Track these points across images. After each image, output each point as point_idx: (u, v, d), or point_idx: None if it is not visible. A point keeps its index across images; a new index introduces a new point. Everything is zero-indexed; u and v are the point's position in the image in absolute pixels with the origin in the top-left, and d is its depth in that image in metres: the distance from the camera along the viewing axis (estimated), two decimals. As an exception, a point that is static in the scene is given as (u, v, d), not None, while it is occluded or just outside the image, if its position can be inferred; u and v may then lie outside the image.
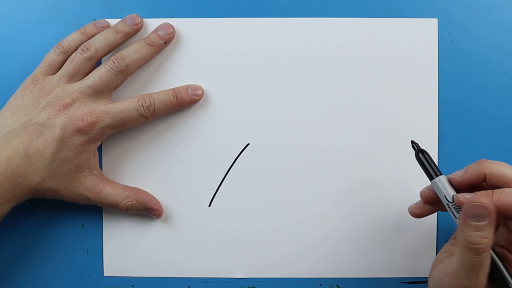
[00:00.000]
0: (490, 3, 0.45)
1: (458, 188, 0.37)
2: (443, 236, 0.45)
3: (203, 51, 0.45)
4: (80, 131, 0.41)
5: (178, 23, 0.45)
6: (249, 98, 0.45)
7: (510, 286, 0.34)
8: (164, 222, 0.45)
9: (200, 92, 0.44)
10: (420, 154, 0.39)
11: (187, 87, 0.44)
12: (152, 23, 0.45)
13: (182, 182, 0.45)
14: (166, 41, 0.44)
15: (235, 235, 0.45)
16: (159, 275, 0.46)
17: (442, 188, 0.37)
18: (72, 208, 0.44)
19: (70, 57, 0.42)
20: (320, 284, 0.45)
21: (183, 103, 0.44)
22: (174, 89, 0.44)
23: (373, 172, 0.45)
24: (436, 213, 0.44)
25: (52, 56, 0.43)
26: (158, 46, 0.44)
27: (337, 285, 0.45)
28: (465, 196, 0.36)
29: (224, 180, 0.45)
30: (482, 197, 0.33)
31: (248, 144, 0.45)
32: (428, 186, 0.39)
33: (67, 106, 0.41)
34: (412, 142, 0.40)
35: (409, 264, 0.45)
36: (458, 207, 0.36)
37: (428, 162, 0.39)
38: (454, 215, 0.37)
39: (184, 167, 0.45)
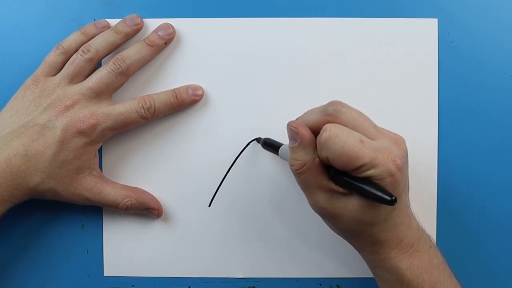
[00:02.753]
0: (490, 3, 0.45)
1: None
2: (443, 236, 0.45)
3: (203, 51, 0.45)
4: (81, 133, 0.41)
5: (178, 23, 0.45)
6: (249, 98, 0.45)
7: (389, 199, 0.32)
8: (164, 222, 0.45)
9: (200, 92, 0.44)
10: (262, 144, 0.43)
11: (187, 87, 0.44)
12: (152, 23, 0.45)
13: (182, 182, 0.45)
14: (166, 42, 0.44)
15: (235, 235, 0.45)
16: (159, 275, 0.46)
17: (286, 152, 0.39)
18: (72, 208, 0.44)
19: (71, 58, 0.42)
20: (320, 284, 0.45)
21: (184, 104, 0.44)
22: (174, 90, 0.44)
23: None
24: (435, 213, 0.44)
25: (53, 56, 0.43)
26: (158, 47, 0.44)
27: (337, 285, 0.45)
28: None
29: (224, 180, 0.45)
30: (294, 123, 0.36)
31: (248, 144, 0.45)
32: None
33: (68, 108, 0.41)
34: (255, 139, 0.44)
35: (409, 264, 0.45)
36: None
37: (270, 144, 0.42)
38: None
39: (184, 167, 0.45)
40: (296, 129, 0.35)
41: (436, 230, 0.45)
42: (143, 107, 0.42)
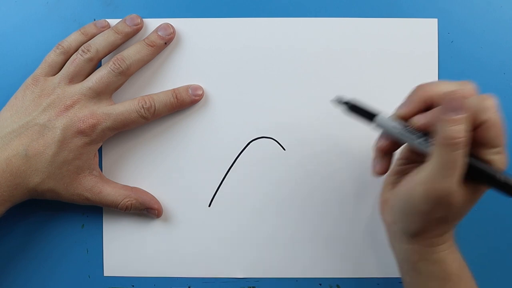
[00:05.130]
0: (490, 3, 0.45)
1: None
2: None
3: (203, 51, 0.45)
4: (81, 133, 0.41)
5: (178, 23, 0.45)
6: (249, 98, 0.45)
7: (498, 176, 0.33)
8: (164, 222, 0.45)
9: (200, 92, 0.44)
10: (352, 106, 0.38)
11: (187, 87, 0.44)
12: (152, 23, 0.45)
13: (182, 182, 0.45)
14: (166, 41, 0.44)
15: (235, 235, 0.45)
16: (159, 275, 0.46)
17: (389, 122, 0.36)
18: (72, 208, 0.44)
19: (71, 58, 0.42)
20: (320, 284, 0.45)
21: (184, 104, 0.44)
22: (174, 90, 0.44)
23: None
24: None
25: (53, 56, 0.43)
26: (158, 47, 0.44)
27: (337, 285, 0.45)
28: (420, 117, 0.35)
29: (224, 180, 0.45)
30: (460, 92, 0.33)
31: (248, 144, 0.45)
32: (379, 138, 0.38)
33: (68, 108, 0.41)
34: (335, 100, 0.38)
35: (409, 264, 0.45)
36: (411, 130, 0.35)
37: (362, 109, 0.37)
38: (411, 142, 0.36)
39: (184, 167, 0.45)
40: (462, 100, 0.33)
41: (436, 230, 0.45)
42: (143, 107, 0.42)
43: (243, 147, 0.45)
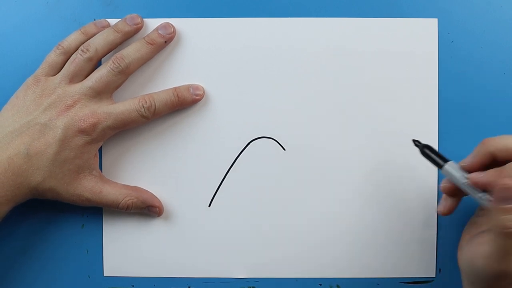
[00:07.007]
0: (490, 3, 0.45)
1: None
2: (443, 236, 0.45)
3: (203, 51, 0.45)
4: (82, 132, 0.41)
5: (178, 23, 0.45)
6: (249, 98, 0.45)
7: None
8: (164, 222, 0.45)
9: (201, 92, 0.44)
10: (425, 148, 0.40)
11: (188, 86, 0.44)
12: (152, 23, 0.45)
13: (182, 182, 0.45)
14: (166, 40, 0.44)
15: (235, 235, 0.45)
16: (159, 275, 0.46)
17: (454, 172, 0.38)
18: (72, 208, 0.44)
19: (71, 58, 0.42)
20: (320, 284, 0.45)
21: (185, 102, 0.44)
22: (175, 88, 0.44)
23: (373, 172, 0.45)
24: (436, 213, 0.44)
25: (53, 56, 0.43)
26: (158, 45, 0.44)
27: (337, 285, 0.45)
28: (478, 175, 0.36)
29: (224, 180, 0.45)
30: (507, 179, 0.33)
31: (248, 144, 0.45)
32: (444, 180, 0.39)
33: (69, 107, 0.41)
34: (414, 140, 0.40)
35: (409, 264, 0.45)
36: (474, 186, 0.36)
37: (434, 153, 0.39)
38: (472, 195, 0.37)
39: (184, 167, 0.45)
40: None
41: (437, 230, 0.45)
42: (143, 106, 0.42)
43: (243, 147, 0.45)
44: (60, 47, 0.43)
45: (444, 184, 0.39)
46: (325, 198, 0.45)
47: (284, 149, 0.45)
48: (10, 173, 0.40)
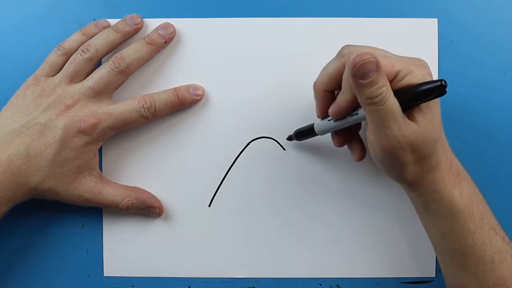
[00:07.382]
0: (490, 3, 0.45)
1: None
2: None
3: (203, 51, 0.45)
4: (82, 132, 0.41)
5: (178, 23, 0.45)
6: (249, 98, 0.45)
7: (423, 87, 0.34)
8: (164, 222, 0.45)
9: (201, 92, 0.44)
10: (296, 135, 0.43)
11: (188, 86, 0.44)
12: (152, 23, 0.45)
13: (182, 183, 0.45)
14: (166, 40, 0.44)
15: (235, 235, 0.45)
16: (159, 275, 0.46)
17: (322, 123, 0.40)
18: (72, 208, 0.44)
19: (71, 58, 0.42)
20: (320, 284, 0.45)
21: (185, 102, 0.44)
22: (175, 88, 0.44)
23: (372, 172, 0.45)
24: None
25: (54, 57, 0.43)
26: (158, 45, 0.44)
27: (337, 285, 0.45)
28: (333, 106, 0.38)
29: (224, 180, 0.45)
30: (360, 56, 0.33)
31: (248, 144, 0.45)
32: (332, 138, 0.41)
33: (69, 107, 0.41)
34: (288, 139, 0.44)
35: (409, 264, 0.45)
36: (340, 115, 0.38)
37: (301, 131, 0.42)
38: (349, 123, 0.38)
39: (184, 167, 0.45)
40: (372, 59, 0.33)
41: (436, 230, 0.45)
42: (143, 107, 0.42)
43: (243, 147, 0.45)
44: (61, 48, 0.43)
45: (335, 142, 0.41)
46: (325, 198, 0.45)
47: (284, 149, 0.45)
48: (10, 173, 0.40)
